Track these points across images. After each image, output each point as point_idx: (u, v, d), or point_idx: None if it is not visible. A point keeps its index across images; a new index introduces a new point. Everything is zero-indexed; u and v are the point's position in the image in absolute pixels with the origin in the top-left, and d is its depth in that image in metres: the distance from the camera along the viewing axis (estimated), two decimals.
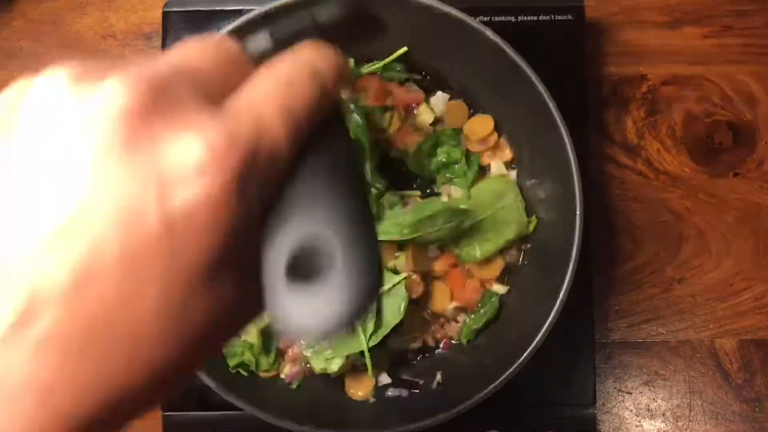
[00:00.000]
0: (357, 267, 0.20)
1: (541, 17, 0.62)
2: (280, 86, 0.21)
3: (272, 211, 0.21)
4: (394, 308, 0.55)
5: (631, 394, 0.64)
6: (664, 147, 0.66)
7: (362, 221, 0.21)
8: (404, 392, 0.58)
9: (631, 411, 0.64)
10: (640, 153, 0.66)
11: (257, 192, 0.19)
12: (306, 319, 0.19)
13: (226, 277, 0.19)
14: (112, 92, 0.18)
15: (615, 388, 0.64)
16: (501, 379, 0.51)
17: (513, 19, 0.62)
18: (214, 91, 0.20)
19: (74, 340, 0.18)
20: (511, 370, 0.51)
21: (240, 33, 0.54)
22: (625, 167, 0.66)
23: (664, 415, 0.64)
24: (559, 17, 0.62)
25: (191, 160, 0.18)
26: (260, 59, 0.27)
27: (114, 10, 0.68)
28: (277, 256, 0.20)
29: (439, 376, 0.59)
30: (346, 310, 0.19)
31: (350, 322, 0.19)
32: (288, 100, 0.21)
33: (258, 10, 0.54)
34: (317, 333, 0.19)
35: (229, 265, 0.19)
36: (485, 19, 0.61)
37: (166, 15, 0.62)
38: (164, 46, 0.62)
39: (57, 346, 0.17)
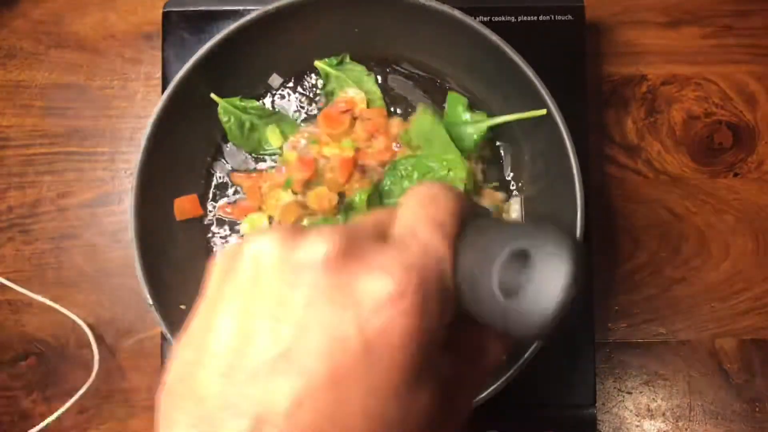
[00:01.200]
0: (551, 270, 0.23)
1: (541, 17, 0.62)
2: (425, 204, 0.26)
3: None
4: None
5: (631, 394, 0.64)
6: (664, 147, 0.66)
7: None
8: None
9: (631, 411, 0.64)
10: (640, 153, 0.66)
11: (437, 304, 0.23)
12: (527, 318, 0.23)
13: (420, 388, 0.23)
14: (315, 244, 0.23)
15: (615, 388, 0.65)
16: (502, 380, 0.51)
17: (513, 19, 0.62)
18: (383, 228, 0.26)
19: None
20: (511, 371, 0.51)
21: (241, 33, 0.54)
22: (625, 167, 0.66)
23: (664, 415, 0.64)
24: (559, 17, 0.62)
25: (381, 294, 0.22)
26: None
27: (114, 10, 0.68)
28: (488, 281, 0.24)
29: None
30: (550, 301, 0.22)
31: (565, 307, 0.22)
32: (436, 213, 0.26)
33: (258, 10, 0.54)
34: (541, 324, 0.22)
35: (423, 378, 0.23)
36: (485, 19, 0.61)
37: (166, 15, 0.62)
38: (164, 46, 0.62)
39: None
